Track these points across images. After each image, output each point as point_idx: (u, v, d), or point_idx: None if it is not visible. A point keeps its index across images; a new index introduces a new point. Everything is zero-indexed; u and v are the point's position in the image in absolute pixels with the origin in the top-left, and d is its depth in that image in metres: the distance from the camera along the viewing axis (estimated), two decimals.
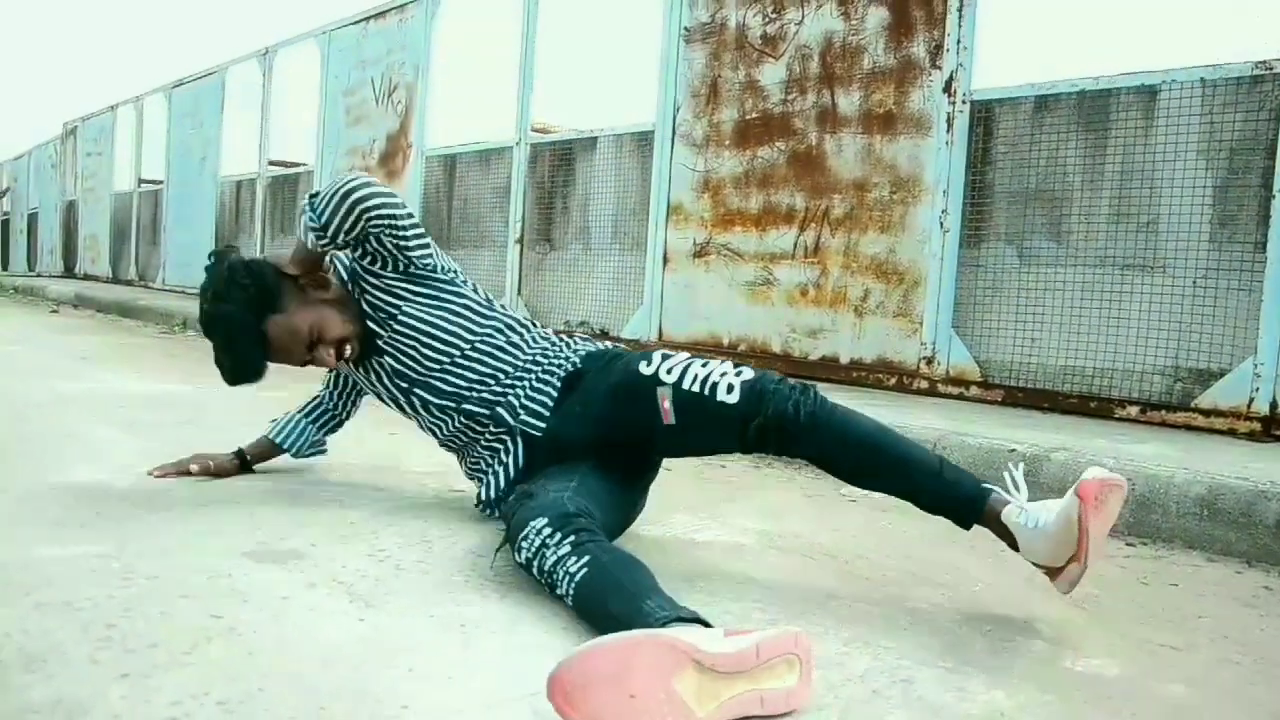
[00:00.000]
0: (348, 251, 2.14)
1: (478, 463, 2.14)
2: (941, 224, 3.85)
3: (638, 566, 1.53)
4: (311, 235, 2.00)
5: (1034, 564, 1.71)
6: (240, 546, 1.86)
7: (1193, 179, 3.28)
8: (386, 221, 1.99)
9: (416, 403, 2.14)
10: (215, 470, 2.40)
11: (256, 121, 9.19)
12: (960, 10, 3.80)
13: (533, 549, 1.61)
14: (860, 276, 4.12)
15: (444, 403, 2.10)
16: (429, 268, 2.11)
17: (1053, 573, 1.68)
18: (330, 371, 2.41)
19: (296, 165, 8.83)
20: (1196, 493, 2.31)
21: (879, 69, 4.08)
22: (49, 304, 10.48)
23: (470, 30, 6.71)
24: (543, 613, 1.60)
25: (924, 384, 3.90)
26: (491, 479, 2.08)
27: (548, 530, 1.60)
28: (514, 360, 2.09)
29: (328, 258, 2.13)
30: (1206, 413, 3.16)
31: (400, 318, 2.09)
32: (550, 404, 2.03)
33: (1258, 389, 3.06)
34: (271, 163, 9.10)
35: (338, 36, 7.93)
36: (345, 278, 2.18)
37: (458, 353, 2.08)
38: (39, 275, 16.04)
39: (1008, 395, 3.66)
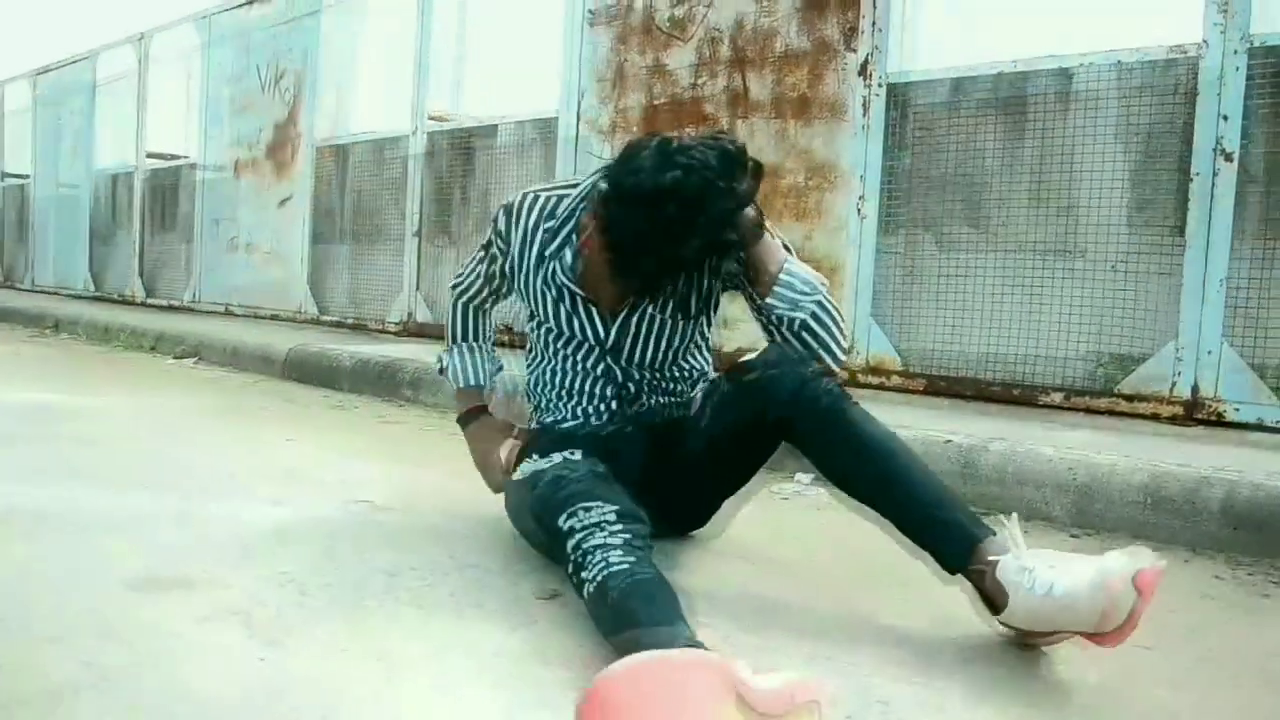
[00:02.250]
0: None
1: (567, 397, 2.00)
2: (859, 211, 3.77)
3: (671, 591, 1.40)
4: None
5: (1009, 627, 1.48)
6: (120, 576, 1.63)
7: (1110, 163, 3.25)
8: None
9: (602, 356, 1.96)
10: (518, 435, 2.06)
11: (132, 111, 8.68)
12: None
13: (586, 523, 1.50)
14: None
15: (625, 370, 1.99)
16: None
17: (1032, 635, 1.46)
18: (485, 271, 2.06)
19: (177, 158, 8.37)
20: (1139, 481, 2.25)
21: (792, 52, 3.98)
22: None
23: (363, 13, 6.43)
24: (471, 638, 1.43)
25: (844, 375, 3.82)
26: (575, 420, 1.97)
27: (612, 516, 1.51)
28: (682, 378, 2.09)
29: None
30: (1130, 398, 3.14)
31: (694, 314, 2.03)
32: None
33: (1180, 373, 3.04)
34: (150, 155, 8.61)
35: (219, 21, 7.52)
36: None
37: (669, 364, 2.06)
38: None
39: (929, 384, 3.61)
